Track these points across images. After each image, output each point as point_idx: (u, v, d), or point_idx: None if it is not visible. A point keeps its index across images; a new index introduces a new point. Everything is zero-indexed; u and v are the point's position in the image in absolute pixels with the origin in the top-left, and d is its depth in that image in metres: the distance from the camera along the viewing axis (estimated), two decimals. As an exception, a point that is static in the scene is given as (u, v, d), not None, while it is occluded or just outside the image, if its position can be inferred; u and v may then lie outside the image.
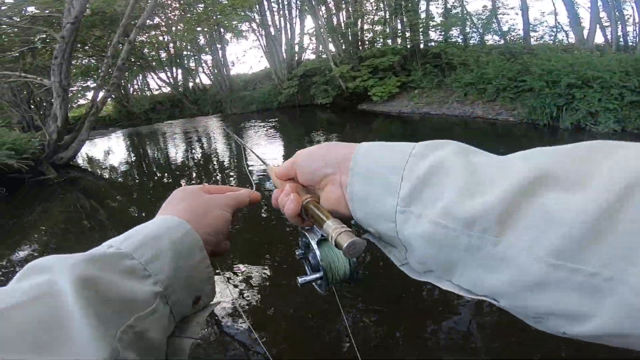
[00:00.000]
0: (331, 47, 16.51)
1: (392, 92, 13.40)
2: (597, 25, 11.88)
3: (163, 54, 23.77)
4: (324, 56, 17.34)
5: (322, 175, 0.40)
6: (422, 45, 14.71)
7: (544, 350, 2.10)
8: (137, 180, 8.84)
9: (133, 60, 20.06)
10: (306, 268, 0.46)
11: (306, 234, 0.43)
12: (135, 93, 27.62)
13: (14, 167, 7.67)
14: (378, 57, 14.15)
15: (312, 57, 20.18)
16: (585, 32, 11.63)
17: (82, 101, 22.39)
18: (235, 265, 3.43)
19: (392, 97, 13.48)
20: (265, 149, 9.33)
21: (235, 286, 3.05)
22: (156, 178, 8.77)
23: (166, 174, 8.87)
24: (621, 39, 11.92)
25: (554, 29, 13.20)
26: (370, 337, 2.39)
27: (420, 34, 14.55)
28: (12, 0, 11.75)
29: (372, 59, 14.20)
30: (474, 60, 11.16)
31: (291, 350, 2.33)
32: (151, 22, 19.60)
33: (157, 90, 26.81)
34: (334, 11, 16.60)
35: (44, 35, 11.54)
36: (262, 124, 14.11)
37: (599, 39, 12.15)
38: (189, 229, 0.39)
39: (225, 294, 2.93)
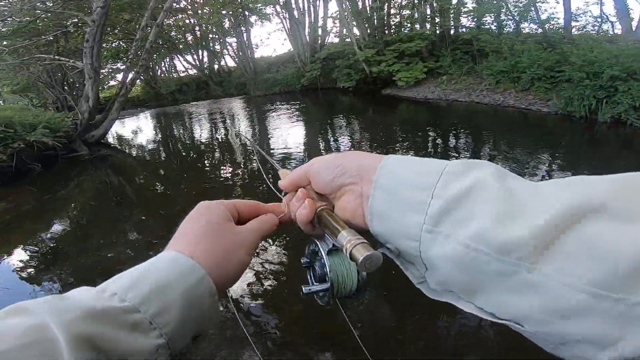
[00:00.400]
0: (355, 31, 16.14)
1: (419, 78, 13.02)
2: None
3: (189, 37, 24.08)
4: (348, 40, 16.99)
5: (340, 184, 0.39)
6: (452, 31, 14.11)
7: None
8: (163, 158, 9.11)
9: (161, 43, 20.42)
10: (309, 277, 0.44)
11: (317, 242, 0.41)
12: (162, 75, 28.24)
13: (48, 144, 8.04)
14: (405, 42, 13.72)
15: (336, 40, 19.91)
16: (634, 24, 10.76)
17: (112, 82, 23.24)
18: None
19: (418, 82, 13.11)
20: (287, 132, 9.36)
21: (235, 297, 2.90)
22: (181, 156, 9.01)
23: (191, 153, 9.09)
24: None
25: (599, 19, 12.28)
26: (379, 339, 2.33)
27: (451, 19, 13.93)
28: None
29: (399, 44, 13.79)
30: (508, 48, 10.66)
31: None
32: (178, 6, 19.75)
33: (183, 72, 27.36)
34: None
35: (76, 20, 11.88)
36: (285, 106, 14.15)
37: None
38: (203, 275, 0.36)
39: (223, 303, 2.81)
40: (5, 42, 11.25)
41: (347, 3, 15.57)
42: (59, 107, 14.62)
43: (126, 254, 3.90)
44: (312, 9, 19.30)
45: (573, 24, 11.95)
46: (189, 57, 24.98)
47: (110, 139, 11.89)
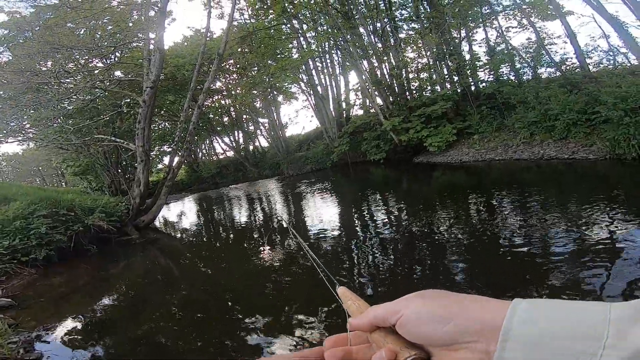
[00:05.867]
0: (378, 100, 16.74)
1: (449, 141, 12.94)
2: None
3: (225, 119, 26.49)
4: (372, 110, 17.65)
5: (453, 341, 0.34)
6: (473, 88, 14.39)
7: None
8: (204, 240, 9.34)
9: (201, 124, 22.47)
10: None
11: None
12: (203, 157, 30.69)
13: (104, 228, 8.63)
14: (429, 105, 13.98)
15: (360, 112, 20.67)
16: None
17: (159, 165, 25.05)
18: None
19: (450, 145, 13.00)
20: (320, 211, 9.28)
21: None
22: (222, 239, 9.19)
23: (231, 235, 9.26)
24: None
25: (611, 53, 12.33)
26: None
27: (469, 76, 14.32)
28: (102, 65, 14.09)
29: (423, 108, 14.04)
30: (534, 96, 10.60)
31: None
32: (214, 87, 22.04)
33: (222, 154, 29.62)
34: (376, 64, 16.90)
35: (128, 100, 13.40)
36: (317, 184, 14.23)
37: None
38: None
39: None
40: (70, 122, 12.68)
41: (366, 73, 16.47)
42: (114, 191, 15.85)
43: (169, 328, 3.89)
44: (334, 83, 20.64)
45: (587, 60, 11.98)
46: (226, 139, 27.23)
47: (157, 222, 12.49)
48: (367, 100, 18.86)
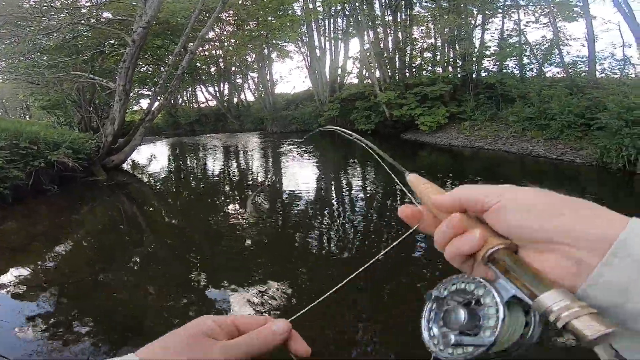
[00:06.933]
0: (377, 72, 16.30)
1: (441, 123, 12.91)
2: None
3: (213, 69, 24.91)
4: (368, 81, 17.26)
5: (548, 240, 0.31)
6: (474, 75, 14.18)
7: None
8: (174, 189, 8.93)
9: (186, 71, 21.09)
10: (428, 319, 0.36)
11: (490, 285, 0.33)
12: (183, 104, 29.08)
13: (68, 165, 7.93)
14: (428, 85, 13.76)
15: (355, 81, 20.24)
16: None
17: (135, 107, 23.67)
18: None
19: (440, 127, 12.99)
20: (300, 172, 9.08)
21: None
22: (192, 188, 8.82)
23: (202, 186, 8.90)
24: None
25: (622, 62, 12.30)
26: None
27: (474, 63, 14.06)
28: (90, 4, 12.74)
29: (422, 87, 13.81)
30: (536, 93, 10.46)
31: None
32: (207, 36, 20.58)
33: (203, 103, 28.15)
34: (382, 35, 16.36)
35: (113, 41, 12.26)
36: (301, 144, 13.96)
37: None
38: None
39: None
40: (45, 57, 11.56)
41: (369, 44, 15.88)
42: (84, 128, 14.81)
43: (129, 286, 3.68)
44: (333, 48, 19.89)
45: (597, 67, 11.90)
46: (210, 89, 25.84)
47: (126, 165, 11.79)
48: (365, 71, 18.39)
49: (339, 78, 19.95)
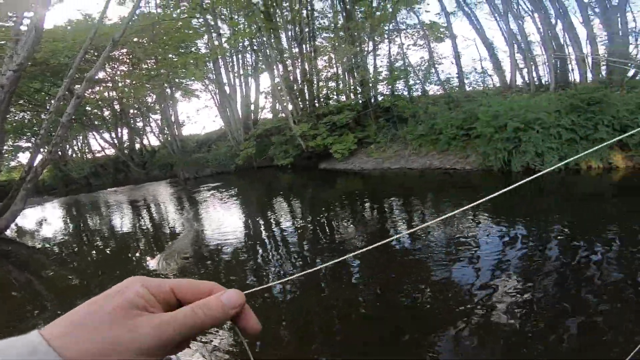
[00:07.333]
0: (289, 105, 16.55)
1: (352, 149, 13.51)
2: (516, 68, 13.82)
3: (107, 112, 22.61)
4: (282, 115, 17.38)
5: None
6: (372, 100, 15.27)
7: None
8: (76, 252, 7.61)
9: (74, 117, 18.71)
10: None
11: None
12: (74, 155, 25.59)
13: None
14: (335, 114, 14.40)
15: (269, 116, 20.19)
16: (508, 76, 13.39)
17: (12, 163, 19.97)
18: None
19: (351, 153, 13.59)
20: (223, 218, 8.38)
21: None
22: (98, 250, 7.57)
23: (108, 248, 7.64)
24: (536, 80, 13.51)
25: (482, 75, 14.96)
26: None
27: (371, 89, 15.15)
28: None
29: (330, 116, 14.38)
30: (423, 111, 11.69)
31: None
32: (98, 77, 18.75)
33: (99, 152, 25.17)
34: (291, 68, 16.76)
35: None
36: (220, 189, 12.95)
37: (518, 80, 13.86)
38: None
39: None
40: None
41: (279, 78, 16.12)
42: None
43: None
44: (243, 84, 19.63)
45: (466, 81, 14.04)
46: (106, 135, 23.15)
47: (10, 232, 9.98)
48: (277, 104, 18.50)
49: (252, 114, 19.76)
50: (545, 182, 7.45)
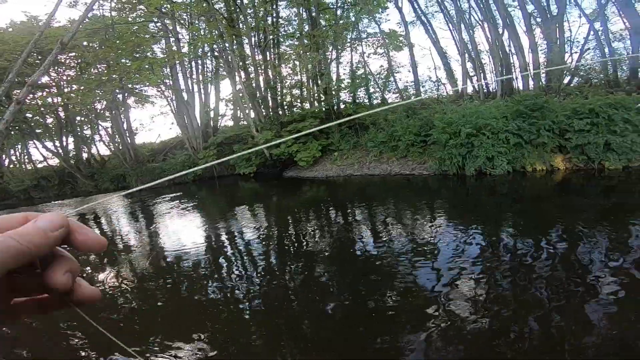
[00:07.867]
0: (251, 113, 16.31)
1: (316, 157, 13.54)
2: (467, 76, 14.71)
3: (50, 120, 20.74)
4: (243, 122, 17.10)
5: None
6: (335, 107, 15.47)
7: None
8: None
9: (12, 124, 17.01)
10: None
11: None
12: (12, 166, 23.21)
13: None
14: (299, 121, 14.38)
15: (230, 123, 19.69)
16: (459, 84, 14.15)
17: None
18: None
19: (316, 161, 13.63)
20: (181, 233, 7.74)
21: None
22: None
23: None
24: (484, 88, 14.49)
25: (436, 83, 15.81)
26: None
27: (334, 96, 15.34)
28: None
29: (295, 124, 14.35)
30: (383, 118, 12.00)
31: None
32: (40, 81, 17.22)
33: (41, 162, 23.01)
34: (254, 75, 16.41)
35: None
36: (176, 200, 12.19)
37: (469, 88, 14.74)
38: None
39: None
40: None
41: (241, 85, 15.82)
42: None
43: None
44: (202, 90, 18.95)
45: (422, 89, 14.74)
46: (49, 144, 21.15)
47: None
48: (239, 112, 18.13)
49: (212, 122, 19.15)
50: (496, 184, 7.93)
